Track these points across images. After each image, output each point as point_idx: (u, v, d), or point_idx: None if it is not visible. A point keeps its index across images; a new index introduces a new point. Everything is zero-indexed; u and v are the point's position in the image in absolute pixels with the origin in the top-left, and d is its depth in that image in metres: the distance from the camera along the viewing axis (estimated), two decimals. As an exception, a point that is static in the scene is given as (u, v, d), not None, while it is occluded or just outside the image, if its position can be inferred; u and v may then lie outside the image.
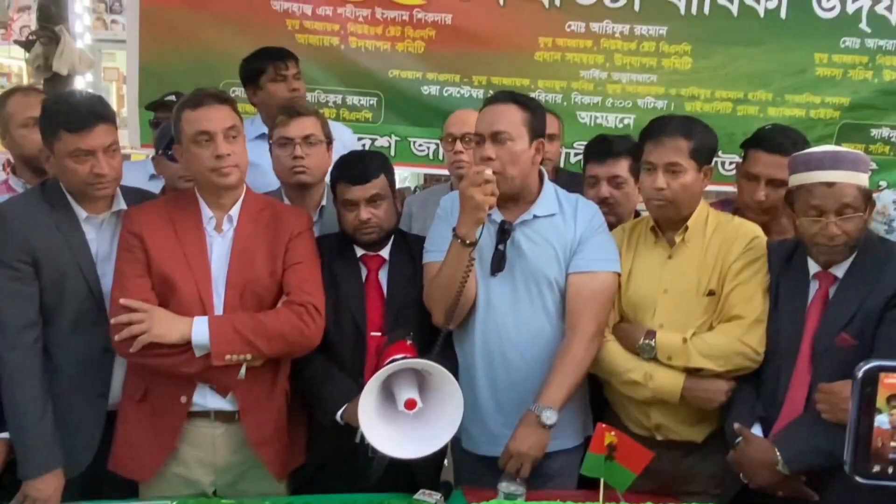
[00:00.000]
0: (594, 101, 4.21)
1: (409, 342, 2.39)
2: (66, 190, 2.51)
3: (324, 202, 3.00)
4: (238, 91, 4.08)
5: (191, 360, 2.37)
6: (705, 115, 3.74)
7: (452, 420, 2.26)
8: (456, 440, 2.57)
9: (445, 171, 4.26)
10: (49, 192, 2.53)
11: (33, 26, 4.39)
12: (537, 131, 2.54)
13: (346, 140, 3.55)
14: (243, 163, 2.49)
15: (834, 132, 4.11)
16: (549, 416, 2.40)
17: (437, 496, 2.41)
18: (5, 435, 2.44)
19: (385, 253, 2.71)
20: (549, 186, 2.64)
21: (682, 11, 4.08)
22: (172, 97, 3.67)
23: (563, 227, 2.58)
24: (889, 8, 4.04)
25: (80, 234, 2.51)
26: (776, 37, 4.07)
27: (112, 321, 2.39)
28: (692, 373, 2.48)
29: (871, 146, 4.14)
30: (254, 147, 2.82)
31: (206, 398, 2.48)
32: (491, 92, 4.09)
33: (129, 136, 4.29)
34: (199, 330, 2.36)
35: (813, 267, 2.43)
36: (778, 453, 2.30)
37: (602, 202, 2.92)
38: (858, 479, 1.60)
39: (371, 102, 4.23)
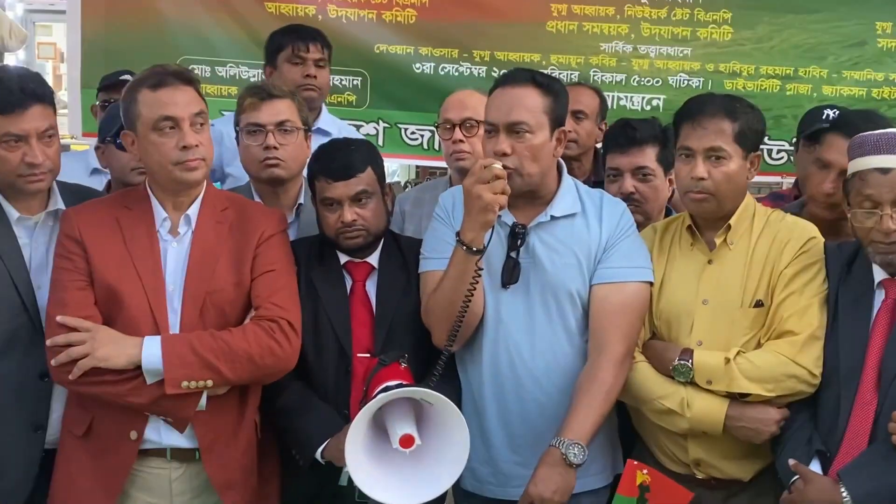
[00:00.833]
0: (617, 78, 4.22)
1: (403, 366, 2.37)
2: None
3: (301, 200, 2.98)
4: (198, 69, 4.11)
5: (141, 388, 2.34)
6: (748, 95, 3.75)
7: (457, 459, 2.23)
8: (456, 481, 2.53)
9: (442, 163, 4.26)
10: (-28, 188, 2.51)
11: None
12: (559, 119, 2.52)
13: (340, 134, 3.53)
14: (210, 156, 2.48)
15: (900, 114, 4.10)
16: (577, 454, 2.36)
17: (437, 547, 2.39)
18: None
19: (373, 260, 2.69)
20: (569, 181, 2.62)
21: (722, -28, 4.10)
22: (129, 77, 3.66)
23: (585, 229, 2.56)
24: (963, -33, 4.06)
25: (10, 237, 2.49)
26: (831, 2, 4.09)
27: (48, 342, 2.36)
28: (737, 399, 2.46)
29: (944, 131, 4.13)
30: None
31: (161, 433, 2.45)
32: (495, 70, 4.16)
33: (70, 122, 4.29)
34: (151, 352, 2.33)
35: (878, 274, 2.41)
36: (845, 494, 2.28)
37: (626, 199, 2.90)
38: None
39: (354, 83, 4.23)
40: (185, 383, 2.33)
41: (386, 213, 2.73)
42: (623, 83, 4.22)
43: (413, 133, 4.34)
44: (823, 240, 2.56)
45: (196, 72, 4.03)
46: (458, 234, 2.41)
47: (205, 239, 2.48)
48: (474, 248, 2.38)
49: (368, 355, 2.58)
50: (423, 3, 4.16)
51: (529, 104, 2.47)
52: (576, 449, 2.36)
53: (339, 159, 2.65)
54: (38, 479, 2.51)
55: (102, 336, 2.35)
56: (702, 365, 2.47)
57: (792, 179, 3.70)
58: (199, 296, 2.44)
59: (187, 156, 2.40)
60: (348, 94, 4.20)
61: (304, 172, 2.88)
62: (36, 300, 2.49)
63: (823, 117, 3.13)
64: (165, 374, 2.32)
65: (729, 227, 2.55)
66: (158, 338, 2.36)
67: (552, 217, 2.55)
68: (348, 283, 2.67)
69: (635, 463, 2.19)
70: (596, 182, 3.19)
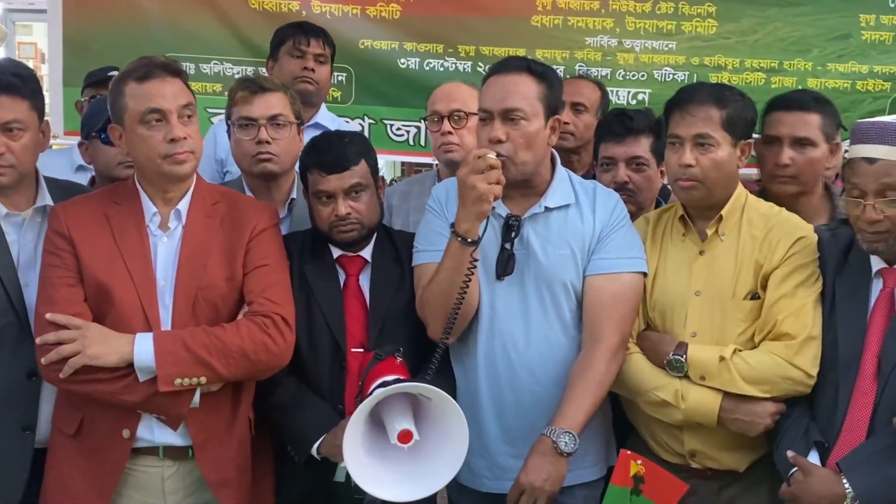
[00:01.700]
0: (602, 73, 4.21)
1: (398, 360, 2.36)
2: None
3: (294, 194, 2.96)
4: (182, 66, 4.06)
5: (133, 385, 2.31)
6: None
7: (456, 454, 2.22)
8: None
9: (427, 160, 4.27)
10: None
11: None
12: (554, 107, 2.52)
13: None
14: (199, 149, 2.46)
15: (885, 107, 4.12)
16: (568, 443, 2.36)
17: (431, 542, 2.39)
18: None
19: (366, 254, 2.68)
20: (563, 173, 2.62)
21: (706, -35, 4.10)
22: (116, 72, 3.64)
23: (579, 220, 2.55)
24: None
25: (-3, 234, 2.46)
26: (816, -5, 4.09)
27: (38, 340, 2.33)
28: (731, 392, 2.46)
29: (930, 123, 4.16)
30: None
31: (154, 432, 2.42)
32: (480, 65, 4.16)
33: (52, 121, 4.23)
34: (143, 349, 2.30)
35: (876, 263, 2.42)
36: (847, 486, 2.28)
37: (620, 188, 2.91)
38: None
39: (339, 79, 4.21)
40: (178, 380, 2.31)
41: (380, 206, 2.71)
42: (608, 77, 4.20)
43: (399, 129, 4.33)
44: (816, 236, 2.55)
45: (181, 69, 4.06)
46: (452, 225, 2.40)
47: (196, 233, 2.46)
48: (469, 240, 2.37)
49: (362, 350, 2.56)
50: (408, -2, 4.16)
51: (524, 91, 2.46)
52: (567, 438, 2.35)
53: (333, 152, 2.62)
54: (29, 479, 2.48)
55: (93, 333, 2.32)
56: (696, 361, 2.47)
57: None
58: (190, 291, 2.41)
59: (175, 149, 2.37)
60: (333, 91, 4.16)
61: (297, 167, 2.87)
62: (24, 298, 2.46)
63: None
64: (158, 372, 2.29)
65: (720, 217, 2.54)
66: (150, 335, 2.33)
67: (546, 208, 2.55)
68: (341, 277, 2.66)
69: (629, 453, 2.19)
70: (594, 176, 3.20)
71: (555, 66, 4.08)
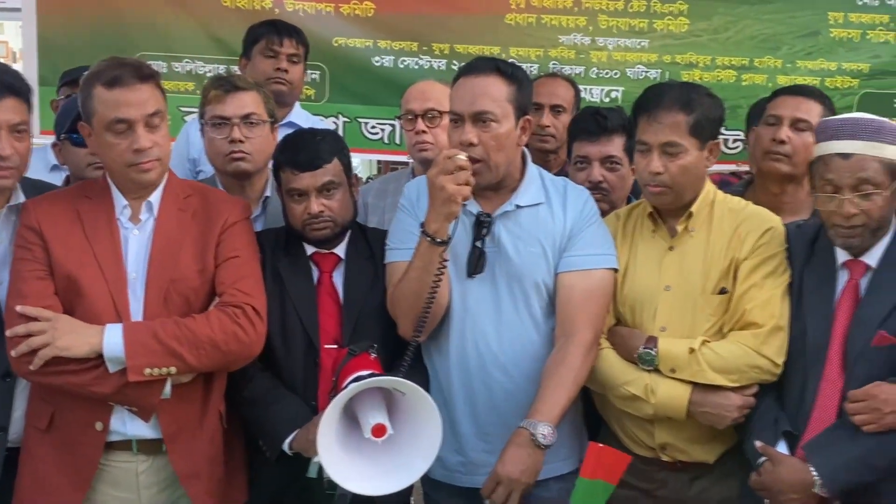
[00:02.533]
0: (576, 71, 4.22)
1: (373, 356, 2.36)
2: None
3: (268, 192, 2.95)
4: (155, 65, 3.99)
5: (104, 376, 2.31)
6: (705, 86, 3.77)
7: (430, 447, 2.22)
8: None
9: (403, 158, 4.26)
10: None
11: None
12: (524, 107, 2.53)
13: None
14: (166, 154, 2.45)
15: (853, 103, 4.16)
16: (546, 435, 2.35)
17: (404, 536, 2.39)
18: None
19: (340, 251, 2.67)
20: (533, 170, 2.62)
21: (677, -36, 4.12)
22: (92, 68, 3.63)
23: (550, 218, 2.56)
24: (912, -42, 4.13)
25: (-30, 232, 2.44)
26: (785, -8, 4.13)
27: (8, 333, 2.32)
28: (700, 384, 2.48)
29: (895, 118, 4.21)
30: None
31: (126, 424, 2.41)
32: (455, 63, 4.16)
33: (27, 120, 4.22)
34: (112, 340, 2.30)
35: (841, 255, 2.45)
36: (814, 472, 2.31)
37: (594, 187, 2.92)
38: None
39: (313, 77, 4.20)
40: (147, 370, 2.30)
41: (353, 204, 2.71)
42: (582, 75, 4.21)
43: (373, 127, 4.32)
44: (783, 227, 2.58)
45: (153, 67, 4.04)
46: (422, 225, 2.40)
47: (167, 226, 2.45)
48: (438, 239, 2.38)
49: (336, 346, 2.56)
50: (382, -6, 4.16)
51: (494, 93, 2.46)
52: (545, 430, 2.36)
53: (306, 150, 2.61)
54: (2, 478, 2.46)
55: (63, 325, 2.31)
56: (666, 354, 2.49)
57: (744, 167, 3.77)
58: (162, 283, 2.41)
59: (140, 158, 2.37)
60: (307, 89, 4.13)
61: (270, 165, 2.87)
62: None
63: None
64: (128, 362, 2.28)
65: (690, 214, 2.56)
66: (120, 325, 2.32)
67: (517, 206, 2.55)
68: (315, 274, 2.65)
69: (599, 446, 2.20)
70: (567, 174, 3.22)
71: (529, 65, 4.17)
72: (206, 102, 2.90)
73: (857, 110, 4.09)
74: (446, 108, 3.02)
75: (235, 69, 3.72)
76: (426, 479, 2.65)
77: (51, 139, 3.36)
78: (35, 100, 4.04)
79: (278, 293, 2.58)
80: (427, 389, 2.50)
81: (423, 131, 3.21)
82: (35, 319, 2.31)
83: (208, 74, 4.07)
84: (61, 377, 2.31)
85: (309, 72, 4.03)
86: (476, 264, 2.53)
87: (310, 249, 2.67)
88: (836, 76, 4.19)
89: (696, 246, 2.57)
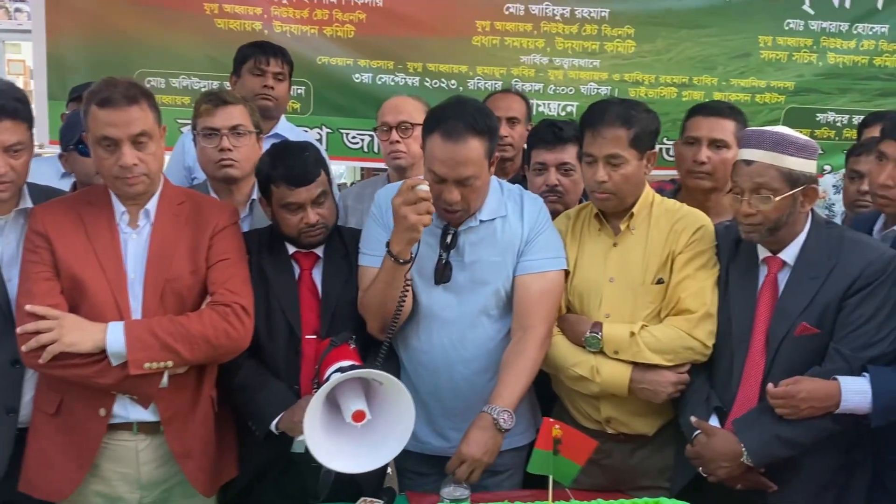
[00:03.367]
0: (535, 87, 4.26)
1: (352, 346, 2.37)
2: None
3: (254, 196, 2.94)
4: (154, 81, 4.05)
5: (107, 369, 2.31)
6: (650, 101, 3.79)
7: (404, 429, 2.24)
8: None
9: (381, 165, 4.25)
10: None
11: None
12: (494, 150, 2.53)
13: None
14: (154, 168, 2.42)
15: (780, 117, 4.24)
16: (507, 420, 2.40)
17: (378, 503, 2.40)
18: None
19: (319, 250, 2.67)
20: (494, 184, 2.63)
21: (624, -8, 4.15)
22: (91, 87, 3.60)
23: (509, 228, 2.59)
24: (831, -11, 4.19)
25: (-19, 236, 2.43)
26: (720, 19, 4.19)
27: (18, 330, 2.31)
28: (640, 365, 2.52)
29: (817, 131, 4.28)
30: None
31: (128, 409, 2.41)
32: (427, 80, 4.18)
33: (37, 132, 4.17)
34: (115, 337, 2.30)
35: (762, 252, 2.50)
36: (742, 445, 2.36)
37: (551, 190, 2.97)
38: None
39: (298, 92, 4.18)
40: (147, 364, 2.30)
41: (337, 208, 2.71)
42: (541, 91, 4.25)
43: (354, 138, 4.32)
44: (713, 225, 2.63)
45: (152, 83, 4.03)
46: (387, 244, 2.41)
47: (163, 231, 2.45)
48: (402, 260, 2.39)
49: (316, 337, 2.57)
50: (361, 19, 4.14)
51: (474, 156, 2.43)
52: (506, 415, 2.40)
53: (298, 166, 2.57)
54: (13, 457, 2.45)
55: (69, 323, 2.30)
56: (610, 337, 2.52)
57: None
58: (158, 283, 2.40)
59: (125, 174, 2.36)
60: (293, 103, 4.14)
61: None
62: (7, 293, 2.43)
63: None
64: (129, 357, 2.29)
65: (632, 215, 2.60)
66: (121, 323, 2.32)
67: (480, 221, 2.57)
68: (296, 271, 2.65)
69: (551, 420, 2.23)
70: (523, 177, 3.25)
71: (493, 82, 4.20)
72: (198, 115, 2.90)
73: (783, 124, 4.12)
74: (417, 120, 3.06)
75: (227, 85, 3.71)
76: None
77: (59, 148, 3.34)
78: (45, 113, 4.12)
79: (263, 288, 2.58)
80: (399, 377, 2.52)
81: (397, 141, 3.22)
82: (43, 317, 2.30)
83: (203, 90, 4.05)
84: (67, 370, 2.31)
85: (295, 87, 4.03)
86: (442, 274, 2.55)
87: (291, 249, 2.66)
88: (765, 93, 4.26)
89: (637, 242, 2.60)
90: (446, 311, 2.57)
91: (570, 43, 4.23)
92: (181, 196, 2.54)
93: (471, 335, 2.57)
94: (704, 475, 2.45)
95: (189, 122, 3.44)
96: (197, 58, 4.14)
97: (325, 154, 2.80)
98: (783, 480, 2.42)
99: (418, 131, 2.99)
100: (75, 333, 2.29)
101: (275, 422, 2.50)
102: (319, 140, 4.21)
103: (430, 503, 2.35)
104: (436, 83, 4.22)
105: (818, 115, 4.31)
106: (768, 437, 2.36)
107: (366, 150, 4.33)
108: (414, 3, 4.14)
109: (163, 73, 4.13)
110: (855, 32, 4.26)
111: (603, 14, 4.19)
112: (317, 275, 2.66)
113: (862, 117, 4.03)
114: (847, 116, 4.32)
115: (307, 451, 2.20)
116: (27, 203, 2.51)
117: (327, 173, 2.68)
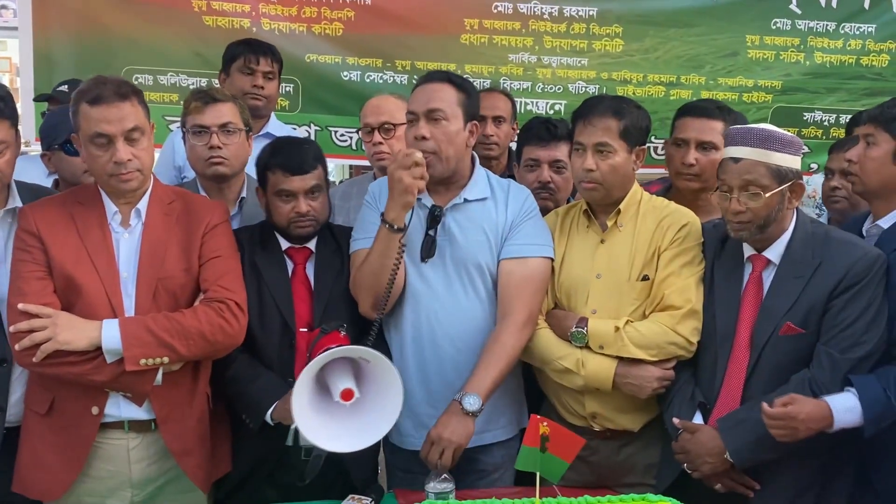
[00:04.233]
0: (524, 86, 4.29)
1: (342, 334, 2.42)
2: None
3: (244, 194, 2.99)
4: (142, 78, 4.06)
5: (102, 367, 2.33)
6: (638, 100, 3.78)
7: (392, 409, 2.28)
8: (385, 440, 2.60)
9: (368, 163, 4.29)
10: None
11: None
12: (472, 114, 2.62)
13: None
14: (147, 164, 2.46)
15: (767, 116, 4.28)
16: (472, 403, 2.46)
17: (367, 501, 2.44)
18: None
19: (311, 245, 2.72)
20: (481, 171, 2.72)
21: (612, -9, 4.20)
22: (65, 87, 3.61)
23: (494, 212, 2.65)
24: (818, -12, 4.24)
25: (-30, 234, 2.45)
26: (708, 18, 4.24)
27: (11, 329, 2.33)
28: (625, 360, 2.56)
29: (804, 130, 4.33)
30: None
31: (120, 407, 2.44)
32: (416, 77, 4.15)
33: (23, 130, 4.17)
34: (110, 334, 2.32)
35: (747, 250, 2.54)
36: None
37: (543, 186, 3.02)
38: None
39: (287, 89, 4.20)
40: (142, 361, 2.33)
41: (329, 205, 2.76)
42: (529, 90, 4.29)
43: (342, 135, 4.34)
44: (699, 223, 2.67)
45: (139, 80, 4.04)
46: (382, 214, 2.48)
47: (154, 230, 2.48)
48: (396, 227, 2.45)
49: (308, 329, 2.61)
50: (350, 17, 4.16)
51: (445, 96, 2.57)
52: (472, 399, 2.46)
53: (297, 156, 2.66)
54: (2, 456, 2.47)
55: (63, 321, 2.33)
56: (595, 332, 2.57)
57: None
58: (151, 282, 2.43)
59: (120, 170, 2.38)
60: (282, 100, 4.15)
61: (247, 169, 2.90)
62: None
63: None
64: (125, 353, 2.31)
65: (619, 211, 2.64)
66: (116, 320, 2.35)
67: (465, 200, 2.64)
68: (289, 266, 2.69)
69: (538, 417, 2.27)
70: (510, 176, 3.28)
71: (481, 80, 4.21)
72: (188, 113, 2.93)
73: (771, 122, 4.18)
74: (400, 120, 3.11)
75: (216, 82, 3.74)
76: (386, 445, 2.73)
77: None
78: (31, 111, 4.12)
79: (256, 283, 2.62)
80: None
81: (380, 142, 3.27)
82: (36, 316, 2.32)
83: (191, 87, 4.07)
84: (62, 368, 2.33)
85: (283, 85, 4.05)
86: (428, 250, 2.61)
87: (284, 244, 2.71)
88: (753, 92, 4.30)
89: (624, 239, 2.65)
90: (433, 288, 2.62)
91: (558, 41, 4.27)
92: (171, 195, 2.57)
93: (458, 313, 2.62)
94: (689, 471, 2.50)
95: (177, 119, 3.47)
96: (185, 55, 4.15)
97: (324, 155, 2.83)
98: (765, 480, 2.47)
99: (401, 131, 3.04)
100: (69, 331, 2.31)
101: (269, 412, 2.54)
102: (308, 137, 4.22)
103: (418, 500, 2.39)
104: (424, 81, 4.24)
105: (805, 114, 4.36)
106: (753, 440, 2.39)
107: (354, 147, 4.35)
108: (402, 1, 4.16)
109: (150, 70, 4.13)
110: (842, 32, 4.32)
111: (591, 13, 4.23)
112: (309, 269, 2.70)
113: (849, 116, 4.10)
114: (834, 116, 4.37)
115: (297, 440, 2.22)
116: (16, 202, 2.53)
117: (325, 172, 2.73)
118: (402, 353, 2.65)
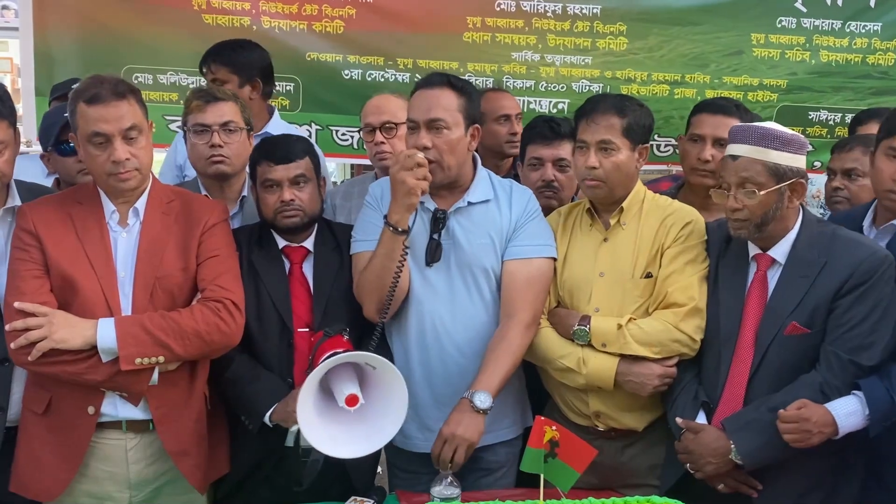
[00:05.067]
0: (527, 84, 4.28)
1: (345, 338, 2.42)
2: None
3: (245, 193, 2.99)
4: (141, 77, 4.06)
5: (97, 366, 2.33)
6: (642, 98, 3.79)
7: (397, 414, 2.28)
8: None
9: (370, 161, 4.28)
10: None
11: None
12: (473, 117, 2.61)
13: None
14: (145, 162, 2.46)
15: (772, 115, 4.25)
16: (483, 400, 2.45)
17: (369, 503, 2.43)
18: None
19: (308, 244, 2.72)
20: (483, 172, 2.71)
21: (616, -12, 4.18)
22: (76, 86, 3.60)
23: (497, 213, 2.64)
24: (824, -13, 4.23)
25: (-31, 233, 2.45)
26: (712, 16, 4.21)
27: (7, 327, 2.34)
28: (626, 358, 2.56)
29: (810, 129, 4.31)
30: None
31: (117, 407, 2.44)
32: (417, 76, 4.18)
33: (25, 129, 4.18)
34: (105, 333, 2.32)
35: (752, 249, 2.53)
36: (731, 443, 2.40)
37: (547, 185, 3.02)
38: None
39: (288, 88, 4.19)
40: (138, 360, 2.33)
41: (320, 200, 2.76)
42: (532, 89, 4.27)
43: (343, 134, 4.33)
44: (703, 221, 2.66)
45: (139, 79, 4.04)
46: (385, 216, 2.47)
47: (152, 229, 2.48)
48: (399, 229, 2.45)
49: (308, 330, 2.61)
50: (351, 14, 4.14)
51: (446, 103, 2.55)
52: (482, 396, 2.45)
53: (281, 146, 2.68)
54: (1, 456, 2.48)
55: (59, 320, 2.33)
56: (598, 330, 2.57)
57: (676, 168, 3.83)
58: (148, 281, 2.43)
59: (118, 169, 2.39)
60: (282, 99, 4.15)
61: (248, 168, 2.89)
62: None
63: None
64: (120, 352, 2.31)
65: (622, 209, 2.64)
66: (112, 319, 2.35)
67: (469, 203, 2.63)
68: (286, 265, 2.69)
69: (543, 419, 2.26)
70: (515, 175, 3.28)
71: (484, 79, 4.20)
72: (189, 111, 2.93)
73: (776, 121, 4.16)
74: (401, 119, 3.10)
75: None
76: (389, 447, 2.70)
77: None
78: (32, 110, 4.12)
79: (253, 283, 2.62)
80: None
81: (382, 142, 3.26)
82: (32, 314, 2.32)
83: (191, 86, 4.06)
84: (57, 367, 2.33)
85: (284, 83, 4.06)
86: (433, 254, 2.61)
87: (282, 243, 2.71)
88: (758, 91, 4.28)
89: (627, 237, 2.65)
90: (438, 292, 2.62)
91: (561, 40, 4.25)
92: (170, 194, 2.57)
93: (462, 317, 2.62)
94: (692, 472, 2.49)
95: (176, 118, 3.48)
96: (185, 54, 4.14)
97: (319, 151, 2.83)
98: (767, 480, 2.46)
99: (403, 130, 3.03)
100: (65, 330, 2.31)
101: (269, 413, 2.54)
102: (309, 136, 4.20)
103: (421, 502, 2.39)
104: (426, 80, 4.23)
105: (811, 113, 4.33)
106: (763, 441, 2.38)
107: (355, 146, 4.33)
108: (404, -2, 4.15)
109: (150, 69, 4.13)
110: (848, 30, 4.29)
111: (595, 11, 4.20)
112: (307, 268, 2.70)
113: (854, 115, 4.08)
114: (840, 114, 4.34)
115: (298, 442, 2.22)
116: (15, 201, 2.53)
117: (314, 164, 2.73)
118: (407, 357, 2.65)
